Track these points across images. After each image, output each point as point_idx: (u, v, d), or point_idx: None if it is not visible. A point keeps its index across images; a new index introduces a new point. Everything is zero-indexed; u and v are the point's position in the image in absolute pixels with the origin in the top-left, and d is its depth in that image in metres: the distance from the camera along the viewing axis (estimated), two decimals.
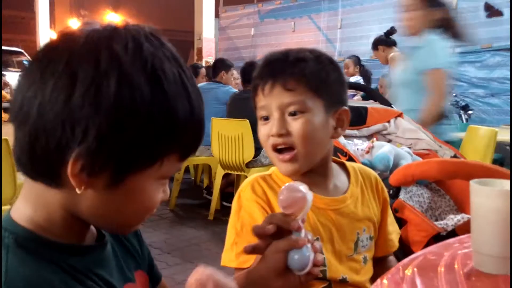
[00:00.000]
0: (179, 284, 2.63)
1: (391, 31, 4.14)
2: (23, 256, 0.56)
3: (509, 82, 5.29)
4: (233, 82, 4.94)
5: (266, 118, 0.98)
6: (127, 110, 0.55)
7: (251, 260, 0.93)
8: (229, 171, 3.79)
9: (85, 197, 0.59)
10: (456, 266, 0.75)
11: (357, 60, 5.24)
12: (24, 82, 0.57)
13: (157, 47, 0.58)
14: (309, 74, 0.95)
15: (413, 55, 2.49)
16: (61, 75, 0.54)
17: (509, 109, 5.23)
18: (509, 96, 5.29)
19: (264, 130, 0.98)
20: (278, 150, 0.97)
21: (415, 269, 0.76)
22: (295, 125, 0.94)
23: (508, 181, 0.78)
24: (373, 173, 1.13)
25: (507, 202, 0.71)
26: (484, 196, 0.73)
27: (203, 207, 4.19)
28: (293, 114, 0.94)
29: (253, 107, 1.03)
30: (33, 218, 0.60)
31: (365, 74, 5.31)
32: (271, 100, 0.96)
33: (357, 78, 4.99)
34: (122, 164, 0.57)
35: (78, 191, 0.57)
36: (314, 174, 1.00)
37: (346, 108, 1.01)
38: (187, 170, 5.09)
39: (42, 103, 0.54)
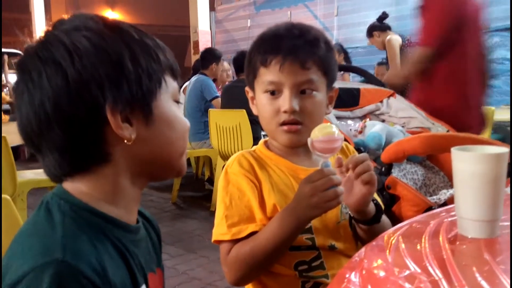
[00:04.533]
0: (183, 274, 2.65)
1: (383, 16, 4.16)
2: (77, 222, 0.61)
3: (508, 62, 5.27)
4: (224, 74, 4.83)
5: (273, 93, 0.98)
6: (112, 49, 0.62)
7: (244, 231, 0.94)
8: None
9: (137, 147, 0.65)
10: (441, 232, 0.76)
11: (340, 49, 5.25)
12: (17, 100, 0.63)
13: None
14: (323, 55, 0.99)
15: None
16: (45, 70, 0.60)
17: (509, 89, 5.22)
18: (508, 77, 5.26)
19: (273, 105, 0.98)
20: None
21: (400, 237, 0.76)
22: (306, 103, 0.97)
23: (489, 146, 0.78)
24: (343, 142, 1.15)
25: (487, 166, 0.72)
26: (465, 161, 0.74)
27: (204, 199, 4.21)
28: (303, 92, 0.97)
29: (250, 79, 1.03)
30: (88, 193, 0.65)
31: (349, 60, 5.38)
32: (284, 77, 0.96)
33: None
34: (143, 95, 0.64)
35: (128, 143, 0.63)
36: (303, 146, 1.02)
37: (337, 87, 1.07)
38: (188, 163, 5.10)
39: (49, 98, 0.60)
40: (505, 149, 0.74)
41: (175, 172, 0.74)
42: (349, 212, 1.00)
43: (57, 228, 0.59)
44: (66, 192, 0.65)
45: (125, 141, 0.63)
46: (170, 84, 0.70)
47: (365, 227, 0.97)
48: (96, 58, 0.61)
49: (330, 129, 0.88)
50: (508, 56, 5.27)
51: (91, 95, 0.60)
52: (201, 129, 4.21)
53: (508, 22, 5.09)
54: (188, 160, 4.89)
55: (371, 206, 0.96)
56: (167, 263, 2.79)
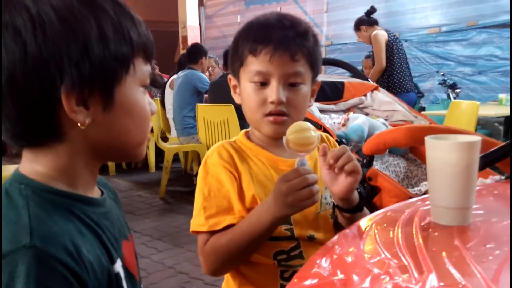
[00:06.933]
0: (169, 268, 2.65)
1: (371, 10, 4.18)
2: (42, 204, 0.59)
3: (496, 59, 5.32)
4: (210, 70, 4.87)
5: (262, 84, 0.97)
6: (80, 28, 0.58)
7: (221, 223, 0.95)
8: None
9: (92, 131, 0.62)
10: (414, 220, 0.77)
11: None
12: None
13: None
14: (311, 48, 0.98)
15: None
16: (4, 35, 0.56)
17: (496, 86, 5.28)
18: (496, 73, 5.32)
19: (259, 94, 0.98)
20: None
21: (374, 224, 0.77)
22: (293, 95, 0.97)
23: (462, 135, 0.79)
24: (324, 133, 1.16)
25: (459, 154, 0.72)
26: (437, 149, 0.75)
27: (192, 194, 4.12)
28: (291, 84, 0.97)
29: (235, 67, 1.02)
30: (45, 173, 0.62)
31: None
32: (274, 67, 0.95)
33: None
34: (106, 79, 0.61)
35: (82, 127, 0.60)
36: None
37: (319, 81, 1.08)
38: (176, 158, 5.09)
39: (4, 67, 0.56)
40: (477, 138, 0.75)
41: (131, 158, 0.72)
42: (333, 200, 1.00)
43: (21, 213, 0.56)
44: (23, 176, 0.62)
45: (79, 124, 0.60)
46: (139, 68, 0.66)
47: (348, 215, 0.97)
48: (59, 36, 0.57)
49: (306, 128, 0.88)
50: (496, 53, 5.33)
51: (48, 74, 0.56)
52: (189, 124, 4.21)
53: (496, 19, 5.14)
54: (177, 155, 4.88)
55: (355, 194, 0.96)
56: (155, 257, 2.78)
